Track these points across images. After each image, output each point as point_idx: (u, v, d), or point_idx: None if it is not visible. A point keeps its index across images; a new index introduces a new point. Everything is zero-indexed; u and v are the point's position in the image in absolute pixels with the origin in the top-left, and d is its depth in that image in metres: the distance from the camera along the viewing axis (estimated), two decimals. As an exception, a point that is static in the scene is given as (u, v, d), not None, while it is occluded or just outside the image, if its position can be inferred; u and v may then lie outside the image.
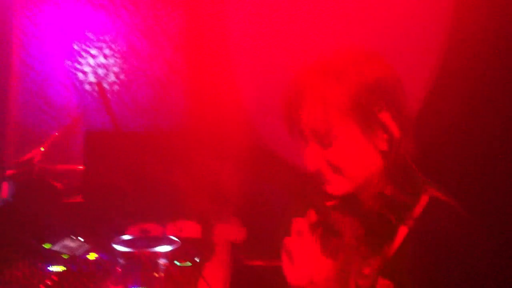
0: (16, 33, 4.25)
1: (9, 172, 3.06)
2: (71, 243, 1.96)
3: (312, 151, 1.24)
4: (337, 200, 1.32)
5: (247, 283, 2.23)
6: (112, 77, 4.54)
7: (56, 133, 3.59)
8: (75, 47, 4.43)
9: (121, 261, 1.83)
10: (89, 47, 4.48)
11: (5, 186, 2.97)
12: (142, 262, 1.82)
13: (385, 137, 1.20)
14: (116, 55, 4.45)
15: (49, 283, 1.59)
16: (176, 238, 2.08)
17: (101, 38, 4.45)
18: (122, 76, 4.56)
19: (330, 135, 1.19)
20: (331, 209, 1.31)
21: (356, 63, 1.20)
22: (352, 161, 1.22)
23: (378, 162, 1.23)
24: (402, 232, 1.21)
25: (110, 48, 4.47)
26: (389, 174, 1.22)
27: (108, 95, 4.28)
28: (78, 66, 4.53)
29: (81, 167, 3.29)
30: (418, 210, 1.21)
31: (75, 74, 4.52)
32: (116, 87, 4.50)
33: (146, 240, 2.04)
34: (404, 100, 1.22)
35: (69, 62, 4.49)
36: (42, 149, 3.22)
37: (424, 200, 1.22)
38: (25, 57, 4.32)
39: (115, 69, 4.57)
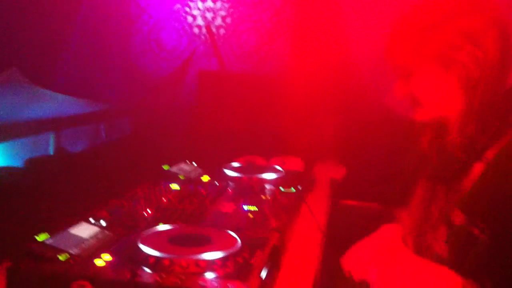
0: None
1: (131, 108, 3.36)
2: (186, 167, 2.15)
3: (399, 85, 1.38)
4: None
5: (341, 220, 2.31)
6: (219, 21, 4.67)
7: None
8: (185, -9, 4.58)
9: (231, 184, 1.99)
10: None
11: (129, 120, 3.27)
12: (250, 186, 1.97)
13: (467, 76, 1.27)
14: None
15: (169, 197, 1.77)
16: (281, 168, 2.21)
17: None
18: (228, 20, 4.68)
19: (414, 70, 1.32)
20: None
21: (454, 15, 1.28)
22: (432, 94, 1.33)
23: (459, 100, 1.30)
24: (479, 168, 1.25)
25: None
26: (471, 113, 1.28)
27: (216, 38, 4.43)
28: (188, 10, 4.70)
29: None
30: (496, 149, 1.24)
31: (185, 18, 4.71)
32: (222, 31, 4.64)
33: (253, 168, 2.19)
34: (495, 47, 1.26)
35: (179, 6, 4.67)
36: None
37: (504, 141, 1.24)
38: (139, 1, 4.55)
39: (223, 13, 4.69)
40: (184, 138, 2.83)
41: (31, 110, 2.75)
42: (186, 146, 2.62)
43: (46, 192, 2.10)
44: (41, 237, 1.34)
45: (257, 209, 1.70)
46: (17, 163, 2.42)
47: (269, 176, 2.08)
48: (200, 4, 4.70)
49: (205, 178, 2.05)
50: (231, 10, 4.75)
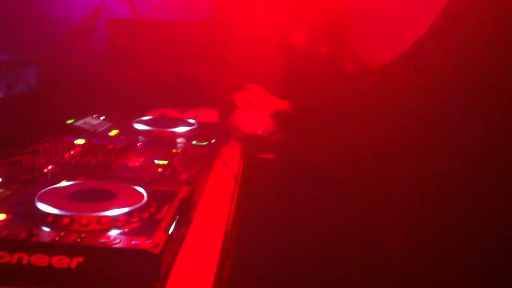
0: None
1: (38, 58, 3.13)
2: (93, 121, 2.05)
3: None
4: None
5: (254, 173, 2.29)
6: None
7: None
8: None
9: (141, 138, 1.93)
10: None
11: (36, 71, 3.06)
12: (161, 140, 1.91)
13: None
14: None
15: (73, 152, 1.68)
16: (194, 121, 2.16)
17: None
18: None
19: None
20: None
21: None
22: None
23: None
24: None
25: None
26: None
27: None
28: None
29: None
30: None
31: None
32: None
33: (165, 121, 2.12)
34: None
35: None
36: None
37: None
38: None
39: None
40: (94, 91, 2.70)
41: None
42: (96, 100, 2.50)
43: None
44: None
45: (167, 163, 1.66)
46: None
47: (181, 129, 2.03)
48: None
49: (113, 133, 1.96)
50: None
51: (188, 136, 1.99)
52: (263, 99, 2.30)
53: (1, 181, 1.41)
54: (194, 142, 1.92)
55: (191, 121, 2.16)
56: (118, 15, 4.10)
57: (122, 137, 1.90)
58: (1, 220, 1.19)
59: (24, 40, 3.70)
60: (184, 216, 1.38)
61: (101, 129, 2.00)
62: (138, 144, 1.85)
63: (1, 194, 1.34)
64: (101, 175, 1.53)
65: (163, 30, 3.31)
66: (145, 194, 1.34)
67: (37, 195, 1.28)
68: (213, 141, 1.97)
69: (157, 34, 3.22)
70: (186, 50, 3.13)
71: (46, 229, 1.16)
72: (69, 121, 1.97)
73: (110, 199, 1.30)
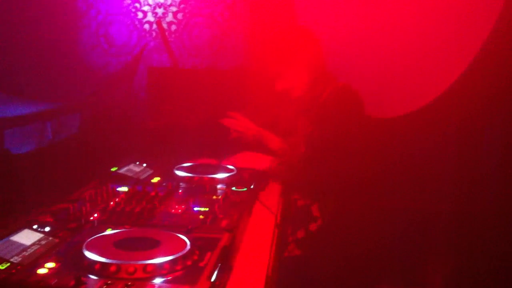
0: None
1: (79, 106, 3.26)
2: (136, 168, 2.10)
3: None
4: None
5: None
6: (170, 17, 4.61)
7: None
8: (135, -14, 4.49)
9: (183, 185, 1.96)
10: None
11: (78, 118, 3.18)
12: (201, 186, 1.94)
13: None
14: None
15: (117, 200, 1.73)
16: (233, 167, 2.19)
17: (160, -23, 4.49)
18: (180, 16, 4.62)
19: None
20: None
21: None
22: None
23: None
24: None
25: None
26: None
27: (166, 34, 4.37)
28: (138, 6, 4.61)
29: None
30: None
31: (135, 13, 4.62)
32: (174, 27, 4.57)
33: (205, 168, 2.16)
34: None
35: (129, 1, 4.57)
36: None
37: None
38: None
39: (174, 8, 4.62)
40: (134, 137, 2.78)
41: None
42: (137, 146, 2.57)
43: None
44: (-20, 246, 1.28)
45: (207, 210, 1.68)
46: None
47: (221, 175, 2.06)
48: (150, 0, 4.62)
49: (155, 180, 2.01)
50: (182, 5, 4.69)
51: (227, 182, 2.02)
52: (246, 126, 2.54)
53: (49, 230, 1.45)
54: (233, 188, 1.95)
55: (230, 167, 2.20)
56: (156, 63, 4.24)
57: (164, 184, 1.94)
58: (51, 268, 1.22)
59: (67, 88, 3.85)
60: (226, 263, 1.40)
61: (143, 176, 2.05)
62: (180, 191, 1.89)
63: (50, 242, 1.38)
64: (145, 222, 1.57)
65: (199, 77, 3.42)
66: (187, 241, 1.37)
67: (84, 244, 1.32)
68: (252, 186, 1.99)
69: (193, 81, 3.32)
70: (220, 97, 3.22)
71: (93, 277, 1.19)
72: (113, 169, 2.03)
73: (155, 247, 1.33)
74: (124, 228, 1.50)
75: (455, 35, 3.11)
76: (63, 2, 4.25)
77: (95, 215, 1.60)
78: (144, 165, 2.17)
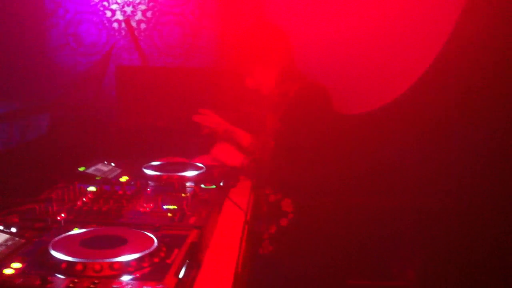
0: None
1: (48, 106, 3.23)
2: (104, 167, 2.10)
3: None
4: None
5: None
6: (139, 15, 4.57)
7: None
8: (104, -16, 4.45)
9: (151, 183, 1.97)
10: (117, -16, 4.50)
11: (46, 118, 3.14)
12: (170, 184, 1.94)
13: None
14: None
15: (85, 199, 1.72)
16: (202, 165, 2.20)
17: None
18: (149, 14, 4.59)
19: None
20: None
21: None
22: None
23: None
24: None
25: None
26: None
27: (136, 33, 4.34)
28: (106, 4, 4.57)
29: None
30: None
31: (104, 12, 4.57)
32: (143, 25, 4.54)
33: (174, 166, 2.17)
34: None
35: (97, 0, 4.53)
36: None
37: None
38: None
39: (143, 6, 4.59)
40: (103, 137, 2.76)
41: None
42: (105, 146, 2.56)
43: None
44: None
45: (176, 207, 1.69)
46: None
47: (190, 173, 2.07)
48: (119, -2, 4.58)
49: (124, 179, 2.00)
50: (151, 3, 4.66)
51: (196, 180, 2.03)
52: (217, 122, 2.59)
53: (16, 230, 1.44)
54: (202, 185, 1.96)
55: (199, 165, 2.21)
56: (126, 62, 4.21)
57: (132, 182, 1.94)
58: (16, 269, 1.22)
59: (35, 88, 3.80)
60: (194, 260, 1.41)
61: (111, 176, 2.04)
62: (148, 190, 1.89)
63: (16, 242, 1.37)
64: (112, 221, 1.57)
65: (169, 76, 3.41)
66: (155, 239, 1.37)
67: (50, 243, 1.32)
68: (221, 183, 2.01)
69: (164, 80, 3.31)
70: (191, 95, 3.22)
71: (60, 276, 1.19)
72: (81, 168, 2.02)
73: (122, 245, 1.33)
74: (91, 227, 1.50)
75: (421, 30, 3.18)
76: (31, 1, 4.19)
77: (62, 214, 1.59)
78: (112, 164, 2.16)
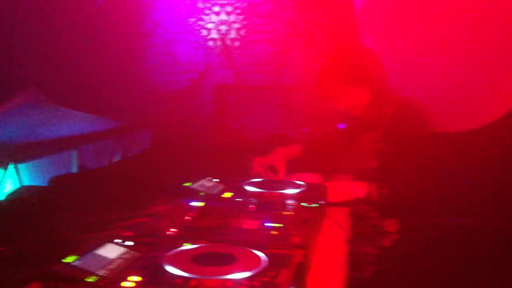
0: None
1: (148, 123, 3.39)
2: (208, 183, 2.15)
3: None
4: None
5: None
6: (233, 33, 4.69)
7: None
8: (199, 5, 4.61)
9: (253, 200, 1.99)
10: (212, 4, 4.64)
11: (147, 135, 3.31)
12: (271, 202, 1.96)
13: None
14: (237, 11, 4.58)
15: (192, 215, 1.78)
16: (303, 183, 2.20)
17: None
18: (243, 32, 4.69)
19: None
20: None
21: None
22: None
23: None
24: None
25: (232, 5, 4.60)
26: None
27: (230, 50, 4.45)
28: (202, 23, 4.72)
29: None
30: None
31: (200, 31, 4.73)
32: (237, 43, 4.65)
33: (274, 183, 2.19)
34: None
35: (193, 20, 4.70)
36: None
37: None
38: (153, 16, 4.59)
39: (237, 25, 4.71)
40: (204, 152, 2.85)
41: (52, 129, 2.78)
42: (207, 161, 2.63)
43: (70, 210, 2.11)
44: (69, 259, 1.35)
45: (279, 226, 1.70)
46: (41, 182, 2.45)
47: (291, 191, 2.08)
48: (214, 17, 4.72)
49: (227, 195, 2.05)
50: (245, 22, 4.77)
51: (297, 198, 2.03)
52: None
53: (131, 245, 1.51)
54: (303, 203, 1.96)
55: (300, 182, 2.21)
56: (220, 79, 4.33)
57: (236, 199, 1.98)
58: (137, 282, 1.27)
59: (134, 106, 3.99)
60: (300, 280, 1.41)
61: (215, 192, 2.09)
62: (251, 207, 1.92)
63: (132, 256, 1.44)
64: (219, 238, 1.60)
65: (265, 94, 3.47)
66: (264, 258, 1.39)
67: (164, 258, 1.37)
68: (322, 202, 2.00)
69: (259, 97, 3.38)
70: (286, 113, 3.25)
71: (175, 291, 1.23)
72: (186, 184, 2.09)
73: (232, 263, 1.36)
74: (200, 243, 1.54)
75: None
76: (131, 23, 4.42)
77: (172, 229, 1.65)
78: (215, 180, 2.22)
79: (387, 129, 2.25)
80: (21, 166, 2.51)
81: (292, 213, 1.83)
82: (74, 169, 2.81)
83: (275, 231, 1.66)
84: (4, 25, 2.80)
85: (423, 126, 2.26)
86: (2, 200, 2.31)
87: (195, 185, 2.10)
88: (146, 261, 1.41)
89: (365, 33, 3.50)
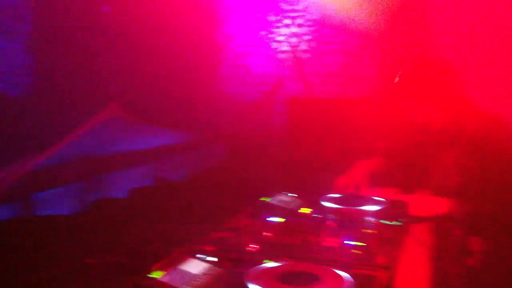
0: (217, 7, 4.61)
1: (223, 136, 3.43)
2: (285, 198, 2.14)
3: None
4: None
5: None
6: (304, 45, 4.68)
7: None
8: (270, 18, 4.64)
9: (332, 217, 1.96)
10: (283, 17, 4.66)
11: (221, 147, 3.35)
12: (351, 219, 1.92)
13: None
14: (308, 23, 4.56)
15: (272, 231, 1.77)
16: (383, 199, 2.14)
17: (294, 8, 4.60)
18: (313, 44, 4.67)
19: None
20: None
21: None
22: None
23: None
24: None
25: (303, 17, 4.60)
26: None
27: (301, 62, 4.45)
28: (273, 36, 4.75)
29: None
30: None
31: (271, 44, 4.75)
32: (308, 55, 4.63)
33: (353, 199, 2.14)
34: None
35: (265, 33, 4.73)
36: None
37: None
38: (225, 30, 4.66)
39: (308, 37, 4.69)
40: (278, 165, 2.84)
41: (132, 143, 2.88)
42: (280, 174, 2.63)
43: (150, 221, 2.17)
44: (156, 274, 1.37)
45: (362, 244, 1.66)
46: (121, 194, 2.53)
47: (370, 207, 2.03)
48: (285, 30, 4.74)
49: (305, 210, 2.03)
50: (316, 33, 4.74)
51: (378, 215, 1.98)
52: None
53: (214, 259, 1.52)
54: (384, 221, 1.91)
55: (379, 198, 2.15)
56: (291, 91, 4.32)
57: (314, 215, 1.95)
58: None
59: (210, 119, 4.06)
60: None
61: (292, 207, 2.08)
62: (330, 223, 1.89)
63: (217, 272, 1.45)
64: (301, 255, 1.59)
65: (337, 106, 3.43)
66: (349, 279, 1.36)
67: (248, 275, 1.37)
68: (404, 220, 1.94)
69: (332, 110, 3.34)
70: (360, 126, 3.19)
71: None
72: (264, 199, 2.08)
73: (316, 283, 1.34)
74: (282, 261, 1.53)
75: None
76: (204, 38, 4.51)
77: (252, 245, 1.65)
78: (292, 195, 2.20)
79: (470, 145, 2.16)
80: (102, 178, 2.61)
81: (374, 231, 1.78)
82: (152, 181, 2.88)
83: (357, 250, 1.62)
84: (89, 49, 2.94)
85: (508, 141, 2.15)
86: (85, 212, 2.41)
87: (273, 200, 2.09)
88: (229, 278, 1.42)
89: (443, 44, 3.40)
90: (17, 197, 2.28)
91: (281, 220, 1.89)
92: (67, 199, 2.46)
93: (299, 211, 2.04)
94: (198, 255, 1.53)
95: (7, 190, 2.29)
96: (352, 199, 2.15)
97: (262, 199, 2.10)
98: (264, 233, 1.75)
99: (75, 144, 2.52)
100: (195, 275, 1.41)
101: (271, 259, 1.53)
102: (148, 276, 1.37)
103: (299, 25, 4.72)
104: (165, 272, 1.39)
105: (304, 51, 4.80)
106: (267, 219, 1.91)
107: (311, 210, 2.03)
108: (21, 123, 2.68)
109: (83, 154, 2.60)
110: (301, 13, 4.66)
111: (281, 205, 2.06)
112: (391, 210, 2.03)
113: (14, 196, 2.27)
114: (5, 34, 2.97)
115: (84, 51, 2.99)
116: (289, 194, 2.18)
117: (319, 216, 1.93)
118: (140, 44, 3.53)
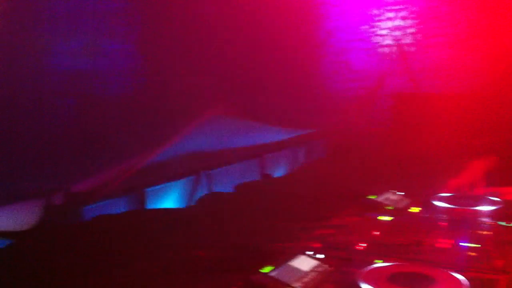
0: (318, 3, 4.58)
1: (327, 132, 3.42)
2: (392, 196, 2.09)
3: None
4: None
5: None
6: (408, 38, 4.52)
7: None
8: (372, 11, 4.54)
9: (444, 216, 1.89)
10: (386, 10, 4.54)
11: (323, 143, 3.34)
12: (464, 219, 1.84)
13: None
14: (412, 15, 4.41)
15: (381, 230, 1.74)
16: (499, 199, 2.03)
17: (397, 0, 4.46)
18: (418, 36, 4.51)
19: None
20: None
21: None
22: None
23: None
24: None
25: (407, 10, 4.45)
26: None
27: (406, 56, 4.31)
28: (376, 30, 4.63)
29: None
30: None
31: (373, 38, 4.65)
32: (412, 48, 4.47)
33: (465, 199, 2.05)
34: None
35: (367, 27, 4.63)
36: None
37: None
38: (326, 25, 4.62)
39: (412, 30, 4.53)
40: (383, 162, 2.78)
41: (238, 139, 2.95)
42: (386, 172, 2.57)
43: (257, 216, 2.19)
44: (266, 269, 1.40)
45: (477, 246, 1.58)
46: (229, 188, 2.61)
47: (485, 208, 1.93)
48: (387, 23, 4.61)
49: (414, 210, 1.97)
50: (421, 26, 4.58)
51: (494, 215, 1.88)
52: None
53: (323, 257, 1.52)
54: (501, 222, 1.80)
55: (494, 199, 2.04)
56: (396, 86, 4.20)
57: (425, 215, 1.89)
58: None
59: (313, 115, 4.05)
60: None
61: (401, 206, 2.03)
62: (442, 223, 1.82)
63: (325, 270, 1.44)
64: (413, 256, 1.54)
65: (444, 102, 3.29)
66: (465, 282, 1.30)
67: (359, 275, 1.35)
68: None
69: (439, 106, 3.21)
70: (469, 122, 3.05)
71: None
72: (371, 197, 2.05)
73: (431, 286, 1.29)
74: (393, 261, 1.50)
75: None
76: (305, 34, 4.50)
77: (361, 244, 1.62)
78: (400, 193, 2.14)
79: None
80: (211, 173, 2.70)
81: (490, 232, 1.69)
82: (258, 177, 2.94)
83: (472, 252, 1.55)
84: (200, 50, 3.04)
85: None
86: (194, 206, 2.50)
87: (381, 198, 2.05)
88: (339, 276, 1.41)
89: None
90: (132, 191, 2.41)
91: (389, 218, 1.84)
92: (177, 193, 2.57)
93: (409, 210, 1.99)
94: (306, 252, 1.54)
95: (123, 184, 2.43)
96: (465, 198, 2.05)
97: (369, 197, 2.06)
98: (372, 232, 1.72)
99: (186, 141, 2.63)
100: (304, 272, 1.41)
101: (382, 259, 1.50)
102: (258, 271, 1.39)
103: (403, 18, 4.57)
104: (274, 267, 1.41)
105: (409, 45, 4.64)
106: (376, 218, 1.88)
107: (420, 209, 1.97)
108: (134, 122, 2.83)
109: (193, 150, 2.71)
110: (405, 5, 4.51)
111: (389, 203, 2.01)
112: (508, 210, 1.92)
113: (129, 190, 2.40)
114: (117, 36, 3.15)
115: (195, 52, 3.10)
116: (396, 192, 2.13)
117: (429, 215, 1.86)
118: (246, 46, 3.60)
